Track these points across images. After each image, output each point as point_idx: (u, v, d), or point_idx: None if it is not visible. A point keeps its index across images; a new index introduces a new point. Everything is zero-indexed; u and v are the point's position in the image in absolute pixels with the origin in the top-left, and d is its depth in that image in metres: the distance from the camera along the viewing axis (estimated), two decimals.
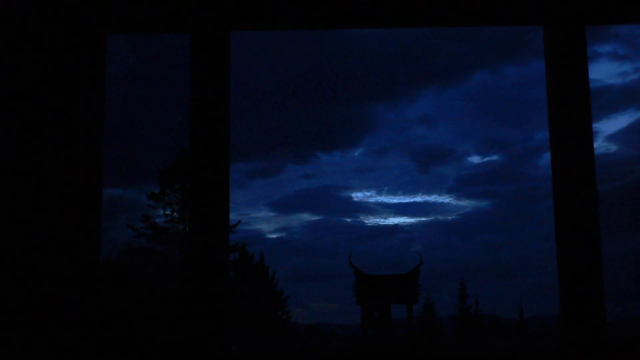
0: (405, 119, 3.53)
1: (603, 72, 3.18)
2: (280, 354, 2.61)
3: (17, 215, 2.54)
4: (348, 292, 2.79)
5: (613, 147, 3.15)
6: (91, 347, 2.55)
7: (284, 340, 3.52)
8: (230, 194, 2.68)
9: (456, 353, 2.60)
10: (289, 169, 3.53)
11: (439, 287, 3.26)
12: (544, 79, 2.75)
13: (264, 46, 3.25)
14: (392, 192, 3.47)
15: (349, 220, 3.48)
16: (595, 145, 2.63)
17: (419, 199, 3.45)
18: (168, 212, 3.24)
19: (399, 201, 3.45)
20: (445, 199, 3.45)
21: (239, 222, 3.26)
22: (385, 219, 3.44)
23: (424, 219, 3.45)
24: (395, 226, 3.42)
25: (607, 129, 3.12)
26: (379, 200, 3.46)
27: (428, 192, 3.47)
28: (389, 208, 3.46)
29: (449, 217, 3.44)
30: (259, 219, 3.42)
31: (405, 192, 3.46)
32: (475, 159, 3.48)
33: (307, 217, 3.54)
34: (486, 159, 3.47)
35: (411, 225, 3.43)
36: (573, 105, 2.64)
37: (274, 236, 3.47)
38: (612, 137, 3.15)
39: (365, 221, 3.44)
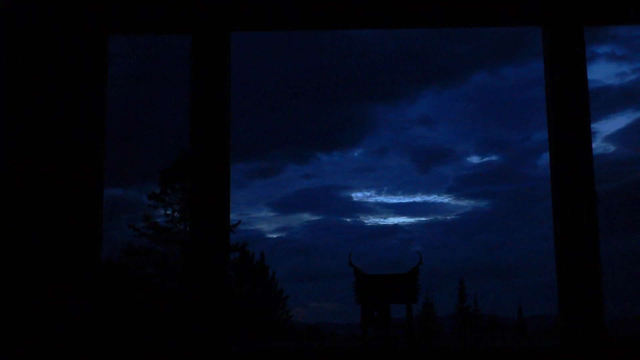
0: (405, 119, 3.54)
1: (601, 72, 3.20)
2: (280, 353, 2.61)
3: (19, 215, 2.55)
4: (348, 291, 2.79)
5: (611, 148, 3.16)
6: (92, 347, 2.55)
7: (284, 340, 3.52)
8: (231, 194, 2.68)
9: (455, 352, 2.60)
10: (289, 169, 3.54)
11: (439, 287, 3.27)
12: (542, 80, 2.75)
13: (264, 47, 3.25)
14: (392, 192, 3.48)
15: (348, 220, 3.49)
16: (594, 145, 2.63)
17: (418, 199, 3.46)
18: (169, 212, 3.24)
19: (398, 201, 3.46)
20: (445, 199, 3.46)
21: (240, 222, 3.27)
22: (385, 218, 3.45)
23: (423, 218, 3.46)
24: (395, 226, 3.43)
25: (605, 129, 3.14)
26: (379, 200, 3.47)
27: (427, 192, 3.48)
28: (388, 208, 3.47)
29: (449, 217, 3.45)
30: (259, 218, 3.43)
31: (405, 192, 3.48)
32: (475, 159, 3.49)
33: (307, 217, 3.55)
34: (485, 159, 3.48)
35: (411, 225, 3.44)
36: (572, 106, 2.64)
37: (274, 236, 3.48)
38: (610, 138, 3.16)
39: (365, 221, 3.46)
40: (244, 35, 2.85)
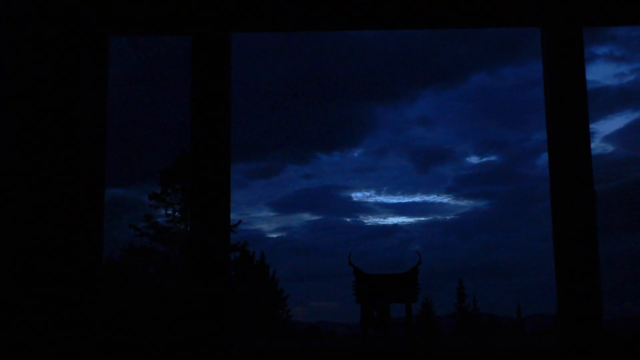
0: (404, 120, 3.55)
1: (600, 73, 3.20)
2: (280, 353, 2.62)
3: (21, 215, 2.56)
4: (348, 291, 2.80)
5: (610, 148, 3.17)
6: (93, 346, 2.55)
7: (284, 339, 3.53)
8: (231, 194, 2.69)
9: (455, 352, 2.61)
10: (289, 169, 3.55)
11: (438, 286, 3.27)
12: (541, 81, 2.76)
13: (265, 47, 3.26)
14: (392, 192, 3.48)
15: (348, 220, 3.49)
16: (593, 145, 2.64)
17: (417, 199, 3.47)
18: (169, 212, 3.25)
19: (398, 201, 3.47)
20: (444, 199, 3.47)
21: (240, 221, 3.27)
22: (385, 218, 3.45)
23: (422, 218, 3.46)
24: (395, 226, 3.43)
25: (604, 129, 3.14)
26: (379, 200, 3.47)
27: (427, 192, 3.48)
28: (388, 208, 3.47)
29: (448, 217, 3.45)
30: (260, 218, 3.43)
31: (405, 192, 3.48)
32: (474, 160, 3.49)
33: (307, 217, 3.55)
34: (484, 159, 3.49)
35: (410, 225, 3.44)
36: (570, 106, 2.65)
37: (275, 236, 3.48)
38: (609, 138, 3.16)
39: (365, 221, 3.46)
40: (244, 36, 2.86)
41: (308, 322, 3.57)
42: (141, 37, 2.91)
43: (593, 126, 2.70)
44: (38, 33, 2.66)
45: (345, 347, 2.91)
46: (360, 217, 3.46)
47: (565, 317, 2.55)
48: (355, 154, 3.52)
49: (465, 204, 3.46)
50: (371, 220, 3.45)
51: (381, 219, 3.45)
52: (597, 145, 2.98)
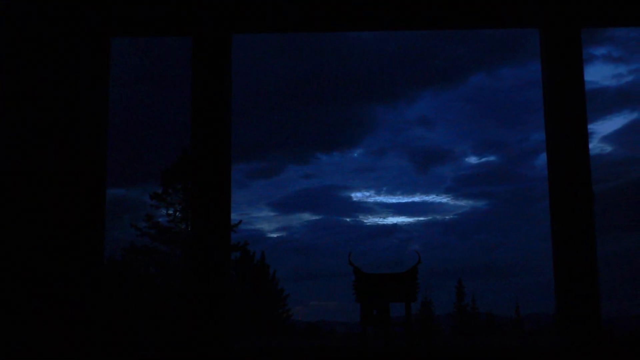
0: (404, 120, 3.56)
1: (598, 74, 3.21)
2: (280, 352, 2.62)
3: (22, 215, 2.56)
4: (348, 290, 2.81)
5: (608, 148, 3.18)
6: (94, 345, 2.56)
7: (284, 338, 3.54)
8: (232, 194, 2.70)
9: (454, 351, 2.62)
10: (290, 169, 3.55)
11: (437, 286, 3.28)
12: (540, 81, 2.76)
13: (265, 48, 3.27)
14: (391, 192, 3.49)
15: (348, 219, 3.50)
16: (591, 146, 2.64)
17: (417, 198, 3.48)
18: (170, 211, 3.26)
19: (397, 201, 3.48)
20: (443, 199, 3.48)
21: (240, 221, 3.28)
22: (384, 218, 3.46)
23: (422, 218, 3.47)
24: (394, 226, 3.44)
25: (602, 130, 3.15)
26: (378, 200, 3.48)
27: (426, 192, 3.49)
28: (387, 208, 3.48)
29: (447, 217, 3.46)
30: (260, 218, 3.44)
31: (404, 192, 3.49)
32: (473, 160, 3.50)
33: (307, 216, 3.56)
34: (483, 159, 3.50)
35: (410, 224, 3.45)
36: (569, 107, 2.65)
37: (275, 235, 3.49)
38: (607, 138, 3.17)
39: (365, 221, 3.47)
40: (244, 37, 2.87)
41: (308, 321, 3.58)
42: (142, 38, 2.92)
43: (591, 127, 2.71)
44: (40, 34, 2.67)
45: (345, 346, 2.92)
46: (360, 217, 3.47)
47: (564, 316, 2.55)
48: (355, 154, 3.53)
49: (464, 204, 3.47)
50: (371, 220, 3.46)
51: (381, 219, 3.46)
52: (595, 146, 2.99)
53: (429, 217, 3.46)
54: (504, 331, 3.51)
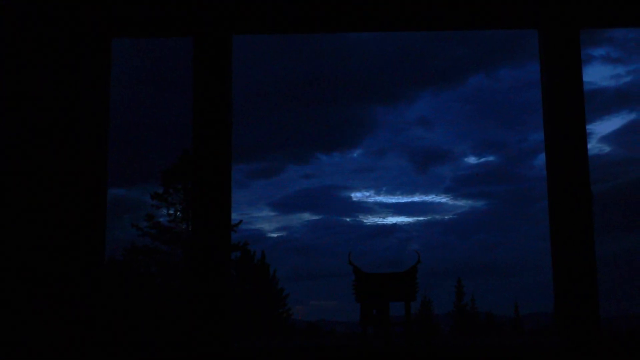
0: (403, 121, 3.57)
1: (597, 74, 3.23)
2: (280, 351, 2.63)
3: (23, 215, 2.57)
4: (347, 290, 2.81)
5: (606, 148, 3.19)
6: (94, 345, 2.56)
7: (284, 338, 3.55)
8: (232, 194, 2.70)
9: (453, 350, 2.62)
10: (290, 169, 3.56)
11: (437, 285, 3.29)
12: (538, 82, 2.76)
13: (266, 49, 3.28)
14: (391, 192, 3.51)
15: (348, 219, 3.51)
16: (589, 146, 2.64)
17: (416, 198, 3.49)
18: (171, 211, 3.27)
19: (397, 201, 3.49)
20: (443, 198, 3.49)
21: (241, 221, 3.29)
22: (384, 218, 3.47)
23: (421, 218, 3.48)
24: (394, 225, 3.45)
25: (600, 130, 3.16)
26: (378, 200, 3.50)
27: (426, 192, 3.50)
28: (387, 208, 3.49)
29: (446, 217, 3.47)
30: (260, 218, 3.45)
31: (404, 192, 3.50)
32: (472, 160, 3.52)
33: (307, 216, 3.57)
34: (482, 159, 3.51)
35: (409, 224, 3.46)
36: (567, 107, 2.65)
37: (275, 235, 3.49)
38: (605, 139, 3.18)
39: (364, 221, 3.48)
40: (245, 38, 2.88)
41: (308, 320, 3.59)
42: (143, 39, 2.93)
43: (590, 127, 2.71)
44: (41, 34, 2.68)
45: (345, 345, 2.93)
46: (360, 216, 3.48)
47: (563, 316, 2.56)
48: (355, 155, 3.54)
49: (463, 204, 3.49)
50: (370, 220, 3.47)
51: (380, 219, 3.47)
52: (593, 146, 3.00)
53: (429, 217, 3.47)
54: (504, 331, 3.52)
